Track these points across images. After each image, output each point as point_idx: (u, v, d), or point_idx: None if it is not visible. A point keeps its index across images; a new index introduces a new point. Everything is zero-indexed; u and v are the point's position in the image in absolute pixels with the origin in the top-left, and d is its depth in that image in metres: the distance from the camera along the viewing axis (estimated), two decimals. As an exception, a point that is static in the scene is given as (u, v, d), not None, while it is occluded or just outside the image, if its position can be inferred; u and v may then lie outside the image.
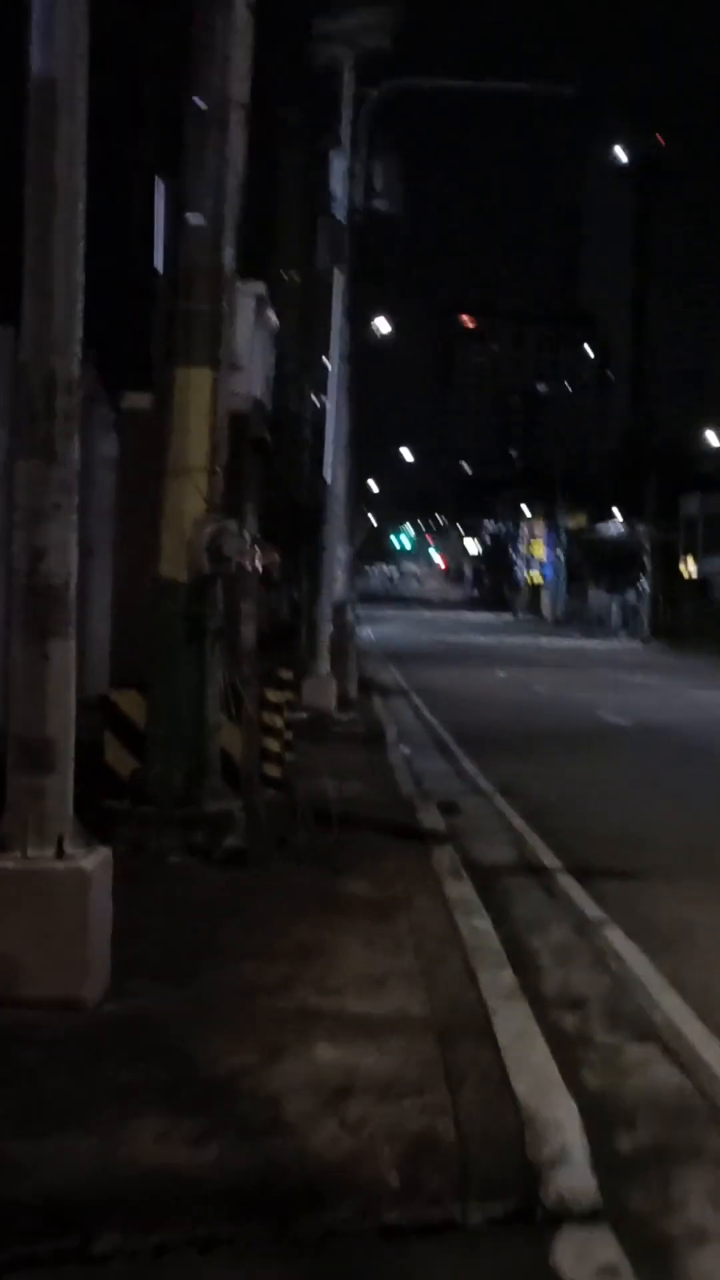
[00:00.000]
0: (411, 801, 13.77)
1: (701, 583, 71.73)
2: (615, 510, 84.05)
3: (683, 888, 10.42)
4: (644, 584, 72.14)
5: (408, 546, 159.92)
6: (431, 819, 12.63)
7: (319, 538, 25.62)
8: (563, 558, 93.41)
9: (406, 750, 18.85)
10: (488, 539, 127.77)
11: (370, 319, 31.92)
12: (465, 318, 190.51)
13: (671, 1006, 7.33)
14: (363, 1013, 6.43)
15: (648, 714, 26.11)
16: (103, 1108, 5.07)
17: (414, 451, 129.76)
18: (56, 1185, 4.48)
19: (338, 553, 26.40)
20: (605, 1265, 4.34)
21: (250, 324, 12.89)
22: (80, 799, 6.78)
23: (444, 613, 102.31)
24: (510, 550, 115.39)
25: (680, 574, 74.60)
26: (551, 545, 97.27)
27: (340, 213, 24.93)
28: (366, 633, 49.73)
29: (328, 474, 25.46)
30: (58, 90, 6.52)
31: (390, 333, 34.53)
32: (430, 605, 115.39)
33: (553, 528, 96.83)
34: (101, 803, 9.64)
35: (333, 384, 25.81)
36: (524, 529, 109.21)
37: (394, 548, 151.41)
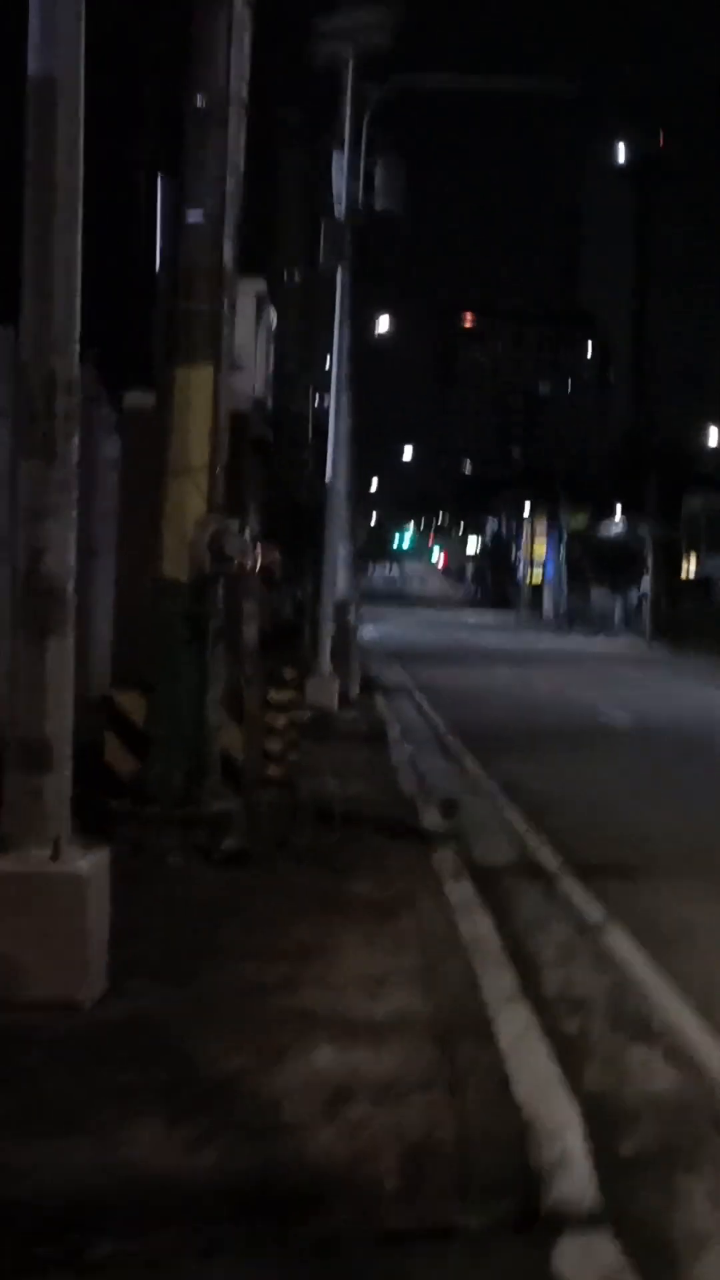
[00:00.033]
0: (413, 801, 13.75)
1: (703, 582, 71.69)
2: (617, 510, 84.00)
3: (684, 887, 10.39)
4: (646, 583, 72.05)
5: (409, 546, 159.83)
6: (433, 818, 12.60)
7: (320, 536, 25.61)
8: (564, 557, 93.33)
9: (409, 749, 18.82)
10: (489, 538, 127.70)
11: (371, 318, 31.92)
12: (467, 313, 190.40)
13: (674, 1008, 7.29)
14: (363, 1014, 6.41)
15: (649, 713, 26.08)
16: (101, 1110, 5.05)
17: (415, 451, 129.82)
18: (54, 1188, 4.46)
19: (339, 551, 26.38)
20: (607, 1270, 4.29)
21: (251, 323, 12.89)
22: (81, 799, 6.76)
23: (446, 612, 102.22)
24: (512, 550, 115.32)
25: (682, 573, 74.57)
26: (553, 545, 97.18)
27: (341, 212, 24.92)
28: (369, 632, 49.70)
29: (329, 473, 25.45)
30: (57, 89, 6.51)
31: (390, 332, 34.51)
32: (432, 604, 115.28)
33: (554, 527, 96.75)
34: (102, 802, 9.62)
35: (334, 381, 25.79)
36: (525, 528, 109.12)
37: (395, 547, 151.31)
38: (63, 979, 6.15)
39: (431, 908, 8.78)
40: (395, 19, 23.95)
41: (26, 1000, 6.05)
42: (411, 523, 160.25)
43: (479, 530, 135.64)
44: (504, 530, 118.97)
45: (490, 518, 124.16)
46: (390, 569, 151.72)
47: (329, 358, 26.40)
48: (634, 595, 75.54)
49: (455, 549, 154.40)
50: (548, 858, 11.54)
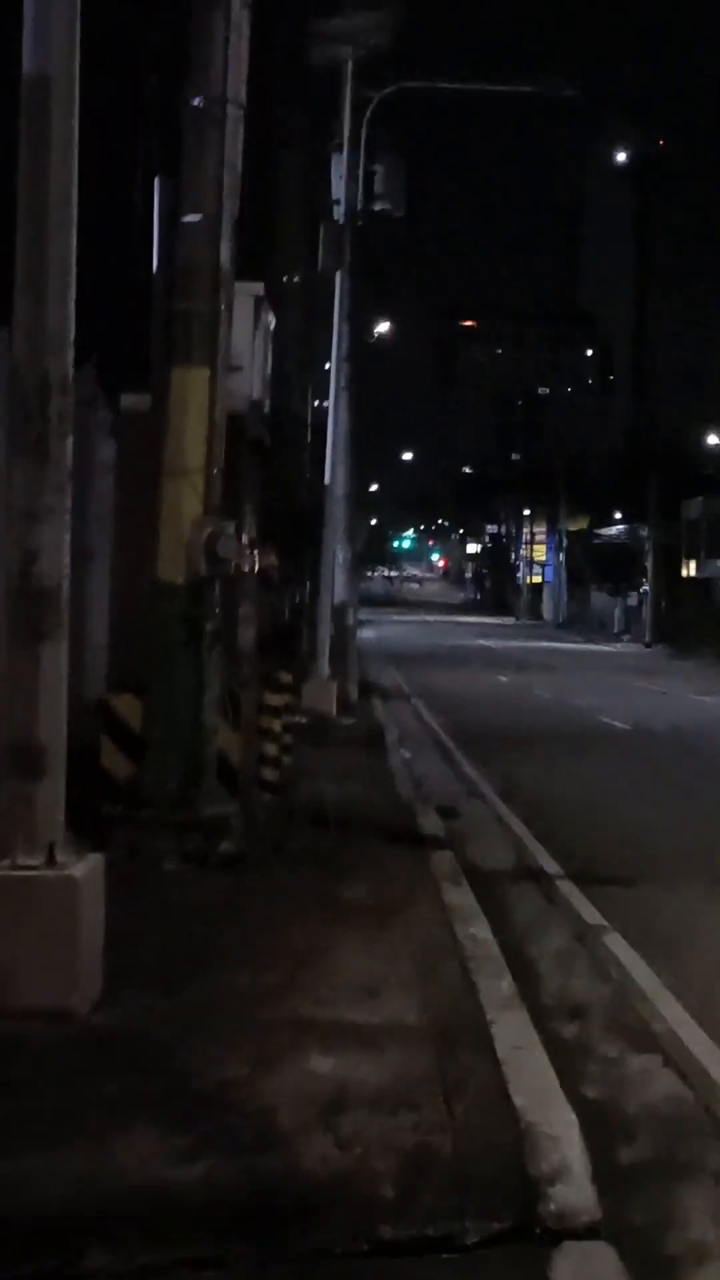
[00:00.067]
0: (411, 805, 13.71)
1: (704, 585, 71.60)
2: (617, 513, 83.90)
3: (682, 892, 10.35)
4: (646, 587, 71.98)
5: (409, 548, 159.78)
6: (431, 823, 12.56)
7: (319, 539, 25.55)
8: (564, 560, 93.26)
9: (407, 754, 18.78)
10: (489, 541, 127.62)
11: (370, 319, 31.87)
12: (467, 314, 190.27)
13: (672, 1015, 7.24)
14: (359, 1022, 6.36)
15: (648, 717, 26.05)
16: (91, 1121, 5.00)
17: (414, 452, 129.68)
18: (43, 1201, 4.40)
19: (338, 555, 26.33)
20: (605, 1282, 4.25)
21: (249, 324, 12.83)
22: (76, 803, 6.71)
23: (445, 616, 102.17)
24: (511, 553, 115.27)
25: (682, 576, 74.48)
26: (553, 548, 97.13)
27: (340, 214, 24.86)
28: (367, 635, 49.69)
29: (327, 476, 25.38)
30: (51, 88, 6.45)
31: (390, 332, 34.45)
32: (431, 608, 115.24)
33: (554, 530, 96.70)
34: (97, 806, 9.57)
35: (333, 384, 25.74)
36: (525, 531, 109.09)
37: (395, 550, 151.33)
38: (56, 986, 6.08)
39: (429, 913, 8.73)
40: (395, 20, 23.91)
41: (19, 1008, 5.98)
42: (411, 529, 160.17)
43: (478, 535, 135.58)
44: (503, 533, 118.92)
45: (489, 526, 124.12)
46: (390, 572, 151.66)
47: (329, 358, 26.34)
48: (634, 598, 75.48)
49: (455, 552, 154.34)
50: (546, 860, 11.51)
